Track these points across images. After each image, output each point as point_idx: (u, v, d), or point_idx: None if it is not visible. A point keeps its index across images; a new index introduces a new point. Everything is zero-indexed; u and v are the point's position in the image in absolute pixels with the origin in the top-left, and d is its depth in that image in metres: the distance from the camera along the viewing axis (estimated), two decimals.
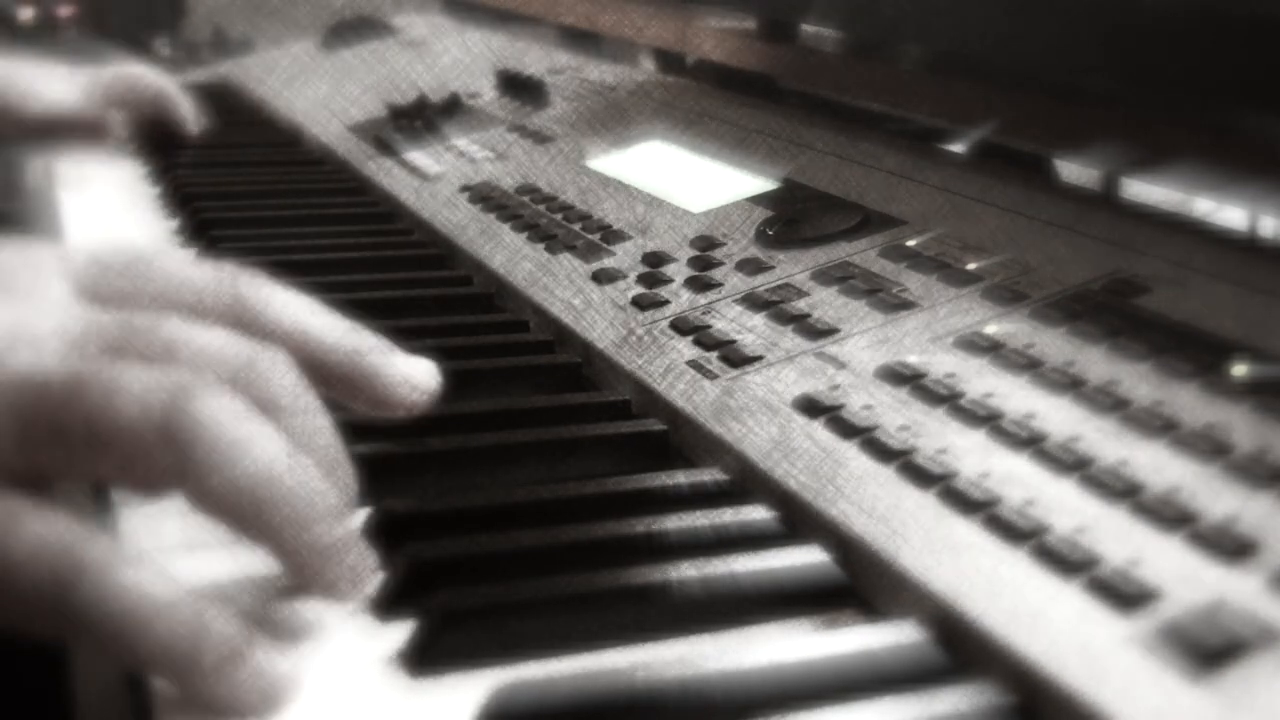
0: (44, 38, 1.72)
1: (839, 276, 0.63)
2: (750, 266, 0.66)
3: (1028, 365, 0.52)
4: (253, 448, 0.40)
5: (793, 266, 0.66)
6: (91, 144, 1.09)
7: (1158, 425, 0.46)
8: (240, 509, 0.41)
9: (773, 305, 0.62)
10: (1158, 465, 0.44)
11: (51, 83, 1.09)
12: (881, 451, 0.49)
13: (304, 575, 0.42)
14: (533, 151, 0.94)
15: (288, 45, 1.48)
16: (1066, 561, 0.41)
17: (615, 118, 0.96)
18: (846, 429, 0.51)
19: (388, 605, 0.44)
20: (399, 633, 0.42)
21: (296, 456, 0.41)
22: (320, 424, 0.45)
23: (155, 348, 0.43)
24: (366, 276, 0.78)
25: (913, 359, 0.54)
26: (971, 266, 0.61)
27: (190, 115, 1.15)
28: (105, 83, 1.12)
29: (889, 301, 0.60)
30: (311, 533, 0.41)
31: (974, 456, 0.47)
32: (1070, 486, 0.45)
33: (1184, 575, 0.40)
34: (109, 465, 0.41)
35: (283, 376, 0.44)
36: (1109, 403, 0.48)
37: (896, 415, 0.51)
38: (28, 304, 0.44)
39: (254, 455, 0.40)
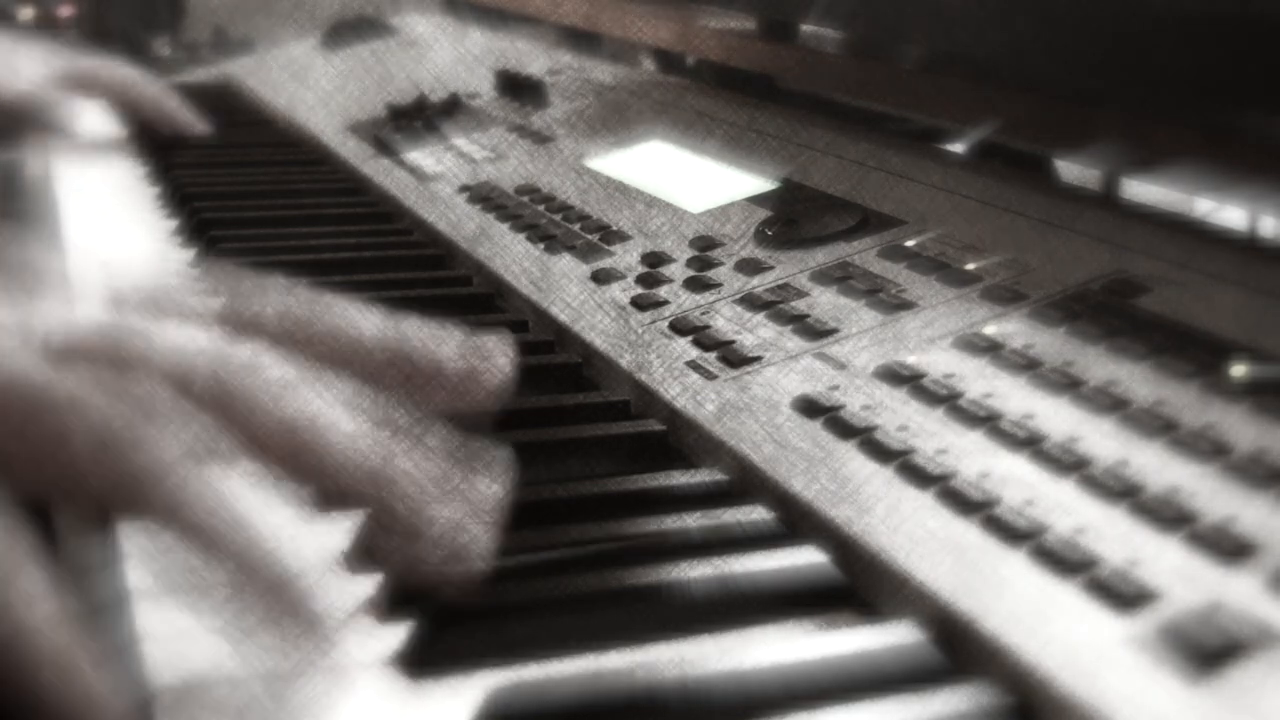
0: (44, 37, 1.72)
1: (838, 276, 0.63)
2: (750, 267, 0.66)
3: (1027, 365, 0.52)
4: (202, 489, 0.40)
5: (792, 266, 0.66)
6: (63, 130, 1.08)
7: (1157, 425, 0.46)
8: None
9: (772, 305, 0.62)
10: (1157, 465, 0.44)
11: (24, 63, 1.09)
12: (881, 452, 0.49)
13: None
14: (532, 151, 0.94)
15: (288, 45, 1.48)
16: (1065, 562, 0.41)
17: (615, 118, 0.96)
18: (846, 429, 0.51)
19: (386, 606, 0.44)
20: (397, 633, 0.42)
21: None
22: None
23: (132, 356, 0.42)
24: (366, 276, 0.77)
25: (912, 359, 0.54)
26: (971, 266, 0.61)
27: (163, 104, 1.14)
28: (73, 71, 1.12)
29: (888, 301, 0.60)
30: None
31: (973, 457, 0.47)
32: (1069, 487, 0.45)
33: (1183, 576, 0.40)
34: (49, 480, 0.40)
35: (261, 373, 0.43)
36: (1108, 403, 0.48)
37: (896, 415, 0.51)
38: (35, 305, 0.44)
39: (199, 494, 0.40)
